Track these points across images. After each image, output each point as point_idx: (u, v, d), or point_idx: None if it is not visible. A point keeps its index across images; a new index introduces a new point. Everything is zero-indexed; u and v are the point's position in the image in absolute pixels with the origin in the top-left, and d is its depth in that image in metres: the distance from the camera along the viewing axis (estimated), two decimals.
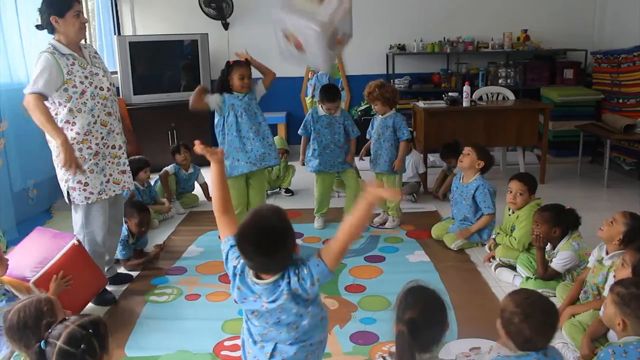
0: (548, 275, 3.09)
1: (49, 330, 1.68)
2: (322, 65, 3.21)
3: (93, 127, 3.00)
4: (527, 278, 3.21)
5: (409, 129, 4.32)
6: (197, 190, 5.29)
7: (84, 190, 3.03)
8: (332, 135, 4.19)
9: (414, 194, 5.05)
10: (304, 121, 4.26)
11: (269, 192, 5.31)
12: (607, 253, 2.72)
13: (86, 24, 3.03)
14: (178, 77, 6.66)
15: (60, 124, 2.92)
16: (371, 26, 6.99)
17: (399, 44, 6.91)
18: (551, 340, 1.86)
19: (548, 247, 3.17)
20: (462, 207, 3.90)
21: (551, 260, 3.10)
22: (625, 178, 5.74)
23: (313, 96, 7.21)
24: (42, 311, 1.91)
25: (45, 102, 2.87)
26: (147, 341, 2.76)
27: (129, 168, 3.25)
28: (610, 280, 2.52)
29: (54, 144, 2.94)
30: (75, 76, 2.92)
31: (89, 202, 3.05)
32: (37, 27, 3.01)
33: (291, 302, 1.70)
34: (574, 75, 6.67)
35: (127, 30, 6.98)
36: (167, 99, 6.36)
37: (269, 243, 1.65)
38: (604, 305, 2.12)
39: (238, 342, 1.89)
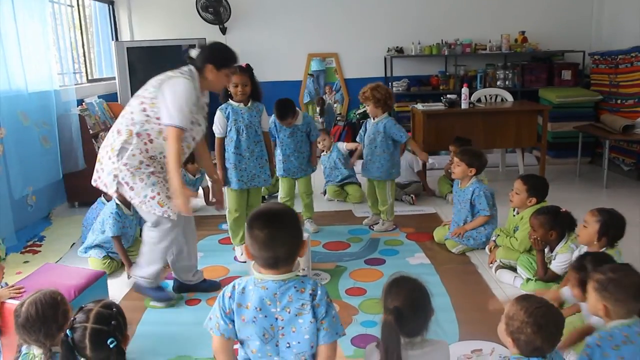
0: (548, 277, 3.09)
1: (72, 319, 1.78)
2: None
3: (159, 158, 2.92)
4: (528, 279, 3.21)
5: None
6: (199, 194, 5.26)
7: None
8: (295, 144, 4.14)
9: (412, 196, 5.05)
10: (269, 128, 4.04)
11: (266, 197, 5.30)
12: None
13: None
14: None
15: (136, 127, 2.84)
16: (369, 29, 7.02)
17: (397, 47, 6.92)
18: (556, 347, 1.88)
19: (546, 249, 3.17)
20: (462, 211, 3.91)
21: (550, 263, 3.10)
22: (624, 179, 5.74)
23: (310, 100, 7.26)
24: (57, 300, 1.96)
25: (144, 106, 2.85)
26: (147, 346, 2.75)
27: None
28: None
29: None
30: (199, 112, 2.95)
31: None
32: (188, 58, 2.96)
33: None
34: (572, 77, 6.68)
35: (125, 35, 6.99)
36: None
37: (278, 222, 1.75)
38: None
39: (237, 346, 1.89)
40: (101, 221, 3.69)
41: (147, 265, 3.08)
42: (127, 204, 3.66)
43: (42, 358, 1.87)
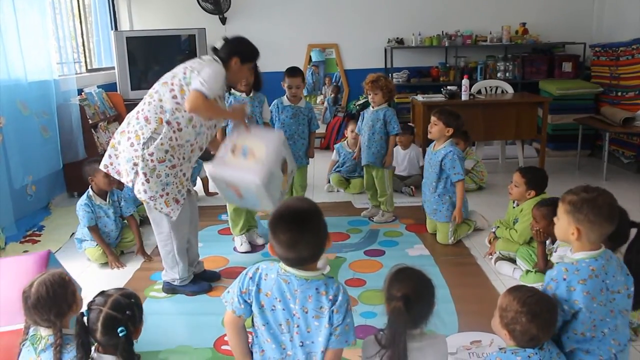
0: (548, 268, 3.08)
1: (91, 300, 1.83)
2: (265, 206, 3.14)
3: (186, 147, 2.92)
4: (527, 271, 3.21)
5: (410, 123, 4.32)
6: (197, 185, 5.25)
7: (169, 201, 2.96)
8: (297, 127, 4.14)
9: (412, 187, 5.06)
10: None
11: None
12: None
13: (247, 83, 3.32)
14: None
15: (166, 115, 2.82)
16: (369, 20, 6.99)
17: (397, 38, 6.90)
18: (551, 335, 1.88)
19: (548, 241, 3.17)
20: (431, 174, 3.88)
21: (551, 255, 3.10)
22: (623, 171, 5.75)
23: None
24: (66, 280, 1.98)
25: (174, 93, 2.83)
26: (147, 336, 2.74)
27: (183, 200, 3.01)
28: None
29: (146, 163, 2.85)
30: (218, 101, 2.96)
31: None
32: (212, 49, 2.99)
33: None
34: (573, 69, 6.67)
35: (124, 25, 6.97)
36: None
37: (301, 224, 1.72)
38: (555, 219, 2.06)
39: (250, 329, 1.90)
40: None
41: (170, 269, 3.14)
42: (103, 195, 3.70)
43: (49, 339, 1.89)
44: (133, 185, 2.88)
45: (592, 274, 1.89)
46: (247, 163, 2.87)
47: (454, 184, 3.80)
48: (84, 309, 1.93)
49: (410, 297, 1.75)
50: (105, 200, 3.71)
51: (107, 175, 3.34)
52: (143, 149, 2.81)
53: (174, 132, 2.84)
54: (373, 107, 4.23)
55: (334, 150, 5.44)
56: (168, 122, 2.82)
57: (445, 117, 3.79)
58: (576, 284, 1.88)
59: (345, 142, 5.45)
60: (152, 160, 2.82)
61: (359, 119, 4.50)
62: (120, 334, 1.77)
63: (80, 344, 1.80)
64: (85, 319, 1.81)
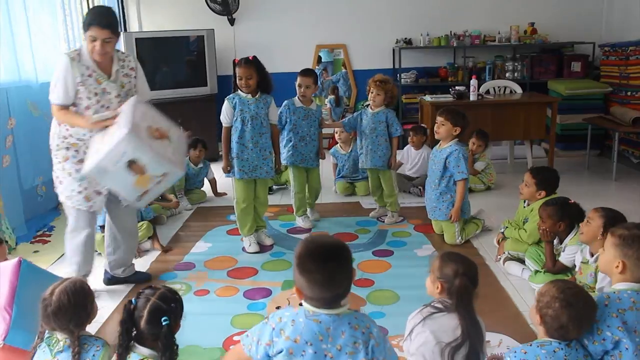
0: (557, 269, 3.08)
1: (140, 291, 1.92)
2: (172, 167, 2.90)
3: (88, 137, 2.93)
4: (536, 271, 3.19)
5: (422, 124, 4.31)
6: (206, 186, 5.28)
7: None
8: (309, 128, 4.15)
9: (420, 188, 5.05)
10: (278, 113, 4.02)
11: (275, 187, 5.31)
12: (591, 255, 2.71)
13: (106, 53, 2.89)
14: (184, 73, 6.67)
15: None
16: (377, 21, 6.99)
17: (405, 38, 6.90)
18: (583, 334, 1.88)
19: (555, 241, 3.16)
20: (435, 172, 3.87)
21: (559, 255, 3.09)
22: (633, 171, 5.71)
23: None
24: (86, 289, 2.00)
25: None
26: None
27: (107, 192, 3.05)
28: (601, 280, 2.54)
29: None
30: (85, 88, 2.87)
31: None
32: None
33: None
34: (582, 68, 6.64)
35: (134, 26, 7.00)
36: (174, 94, 6.36)
37: (336, 261, 1.66)
38: (600, 251, 2.11)
39: None
40: None
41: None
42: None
43: (66, 341, 1.91)
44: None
45: (633, 305, 1.91)
46: (110, 133, 2.74)
47: (456, 182, 3.80)
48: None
49: (468, 273, 1.92)
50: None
51: None
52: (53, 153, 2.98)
53: (67, 129, 2.92)
54: (372, 109, 4.20)
55: (331, 156, 5.39)
56: (59, 123, 2.93)
57: (453, 116, 3.78)
58: (617, 312, 1.90)
59: (338, 145, 5.39)
60: (56, 158, 2.95)
61: (352, 114, 4.47)
62: (164, 323, 1.83)
63: (125, 331, 1.84)
64: (133, 306, 1.87)
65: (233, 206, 3.91)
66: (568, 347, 1.84)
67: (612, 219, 2.63)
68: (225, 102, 3.71)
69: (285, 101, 4.12)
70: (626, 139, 5.90)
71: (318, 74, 7.26)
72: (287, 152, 4.16)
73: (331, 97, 7.32)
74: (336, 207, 4.81)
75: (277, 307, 2.92)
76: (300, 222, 4.31)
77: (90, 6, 6.06)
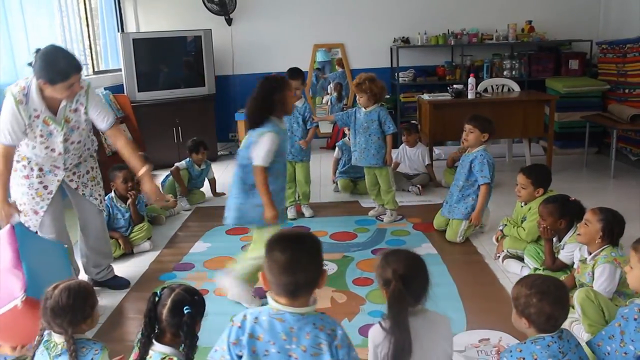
0: (556, 266, 3.09)
1: (166, 285, 1.95)
2: None
3: (35, 162, 2.94)
4: (535, 269, 3.20)
5: (413, 121, 4.32)
6: (205, 186, 5.27)
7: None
8: (291, 124, 4.31)
9: (419, 186, 5.05)
10: None
11: None
12: (589, 253, 2.72)
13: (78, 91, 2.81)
14: (182, 74, 6.67)
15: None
16: (375, 19, 7.00)
17: (403, 37, 6.90)
18: (568, 314, 1.89)
19: (554, 238, 3.16)
20: (461, 174, 3.90)
21: (559, 252, 3.10)
22: (631, 169, 5.72)
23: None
24: (89, 292, 2.02)
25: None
26: None
27: (44, 213, 2.99)
28: (597, 277, 2.57)
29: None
30: (32, 131, 2.79)
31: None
32: (29, 64, 2.74)
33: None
34: (580, 66, 6.64)
35: (131, 27, 7.00)
36: (172, 95, 6.37)
37: (300, 245, 1.68)
38: (628, 269, 2.13)
39: None
40: None
41: None
42: (123, 199, 3.96)
43: (64, 344, 1.92)
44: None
45: None
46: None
47: (479, 186, 3.81)
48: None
49: (405, 274, 1.77)
50: (125, 204, 3.95)
51: (125, 180, 3.79)
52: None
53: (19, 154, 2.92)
54: (364, 108, 4.23)
55: (336, 149, 5.40)
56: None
57: (481, 123, 3.83)
58: None
59: (347, 138, 5.40)
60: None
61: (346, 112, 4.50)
62: (186, 312, 1.83)
63: (148, 322, 1.86)
64: (157, 297, 1.88)
65: None
66: (560, 340, 1.84)
67: (611, 223, 2.63)
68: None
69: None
70: (624, 137, 5.91)
71: (314, 74, 7.31)
72: None
73: (334, 94, 7.35)
74: (335, 205, 4.81)
75: None
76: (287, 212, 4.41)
77: (87, 7, 6.07)
